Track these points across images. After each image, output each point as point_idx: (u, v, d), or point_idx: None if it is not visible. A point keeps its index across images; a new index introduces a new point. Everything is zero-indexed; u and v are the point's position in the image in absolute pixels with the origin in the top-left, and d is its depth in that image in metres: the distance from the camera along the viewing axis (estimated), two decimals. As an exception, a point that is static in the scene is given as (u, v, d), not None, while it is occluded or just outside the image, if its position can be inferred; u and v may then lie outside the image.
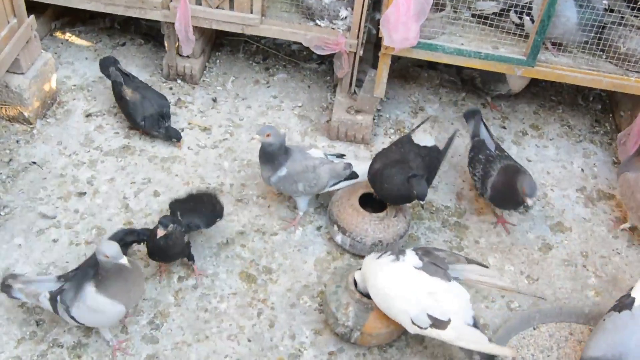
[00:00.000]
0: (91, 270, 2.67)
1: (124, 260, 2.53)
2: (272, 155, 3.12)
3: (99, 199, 3.39)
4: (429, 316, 2.61)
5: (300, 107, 4.03)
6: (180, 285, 3.08)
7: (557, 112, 4.20)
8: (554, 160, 3.87)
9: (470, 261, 2.83)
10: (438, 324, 2.60)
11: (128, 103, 3.62)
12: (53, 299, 2.68)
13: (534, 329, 3.03)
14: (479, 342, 2.61)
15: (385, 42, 3.45)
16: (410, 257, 2.73)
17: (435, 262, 2.72)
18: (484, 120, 3.57)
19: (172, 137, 3.66)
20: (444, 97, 4.21)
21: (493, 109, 4.13)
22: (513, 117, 4.11)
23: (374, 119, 3.84)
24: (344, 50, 3.69)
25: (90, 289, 2.62)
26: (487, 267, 2.88)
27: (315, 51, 3.72)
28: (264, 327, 2.96)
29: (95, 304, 2.62)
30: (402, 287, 2.66)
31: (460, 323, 2.61)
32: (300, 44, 3.78)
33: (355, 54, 3.74)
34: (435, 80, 4.32)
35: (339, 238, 3.21)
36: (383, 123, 3.97)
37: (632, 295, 2.75)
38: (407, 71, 4.36)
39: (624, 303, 2.74)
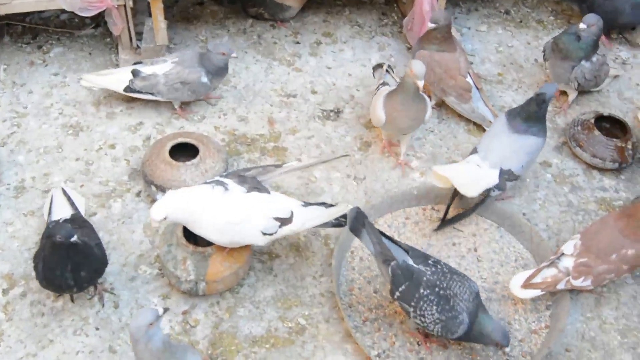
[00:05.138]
0: None
1: None
2: None
3: None
4: (276, 219, 2.68)
5: (86, 77, 3.77)
6: (7, 297, 2.82)
7: (345, 15, 4.23)
8: (352, 61, 3.91)
9: (277, 166, 2.91)
10: (285, 221, 2.70)
11: None
12: None
13: (372, 224, 3.10)
14: (321, 214, 2.76)
15: (147, -15, 3.26)
16: (234, 186, 2.71)
17: (257, 187, 2.74)
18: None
19: None
20: (232, 27, 4.09)
21: (282, 27, 4.08)
22: (304, 31, 4.09)
23: (165, 68, 3.67)
24: (111, 5, 3.45)
25: None
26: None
27: (81, 14, 3.46)
28: (109, 311, 2.80)
29: None
30: (245, 210, 2.66)
31: (299, 209, 2.74)
32: (70, 12, 3.50)
33: (124, 6, 3.52)
34: (219, 14, 4.18)
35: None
36: (178, 70, 3.82)
37: None
38: (188, 12, 4.19)
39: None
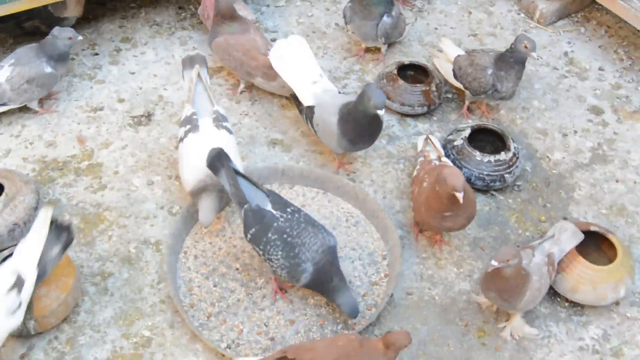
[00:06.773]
0: None
1: None
2: None
3: None
4: (9, 290, 2.44)
5: None
6: None
7: (141, 17, 4.14)
8: (156, 62, 3.84)
9: None
10: (19, 284, 2.46)
11: None
12: None
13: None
14: (31, 242, 2.54)
15: None
16: None
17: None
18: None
19: None
20: (23, 52, 3.91)
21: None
22: (101, 40, 3.96)
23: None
24: None
25: None
26: None
27: None
28: (-60, 377, 2.63)
29: None
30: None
31: (15, 263, 2.51)
32: None
33: None
34: (9, 40, 3.96)
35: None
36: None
37: None
38: (-27, 45, 3.95)
39: None
